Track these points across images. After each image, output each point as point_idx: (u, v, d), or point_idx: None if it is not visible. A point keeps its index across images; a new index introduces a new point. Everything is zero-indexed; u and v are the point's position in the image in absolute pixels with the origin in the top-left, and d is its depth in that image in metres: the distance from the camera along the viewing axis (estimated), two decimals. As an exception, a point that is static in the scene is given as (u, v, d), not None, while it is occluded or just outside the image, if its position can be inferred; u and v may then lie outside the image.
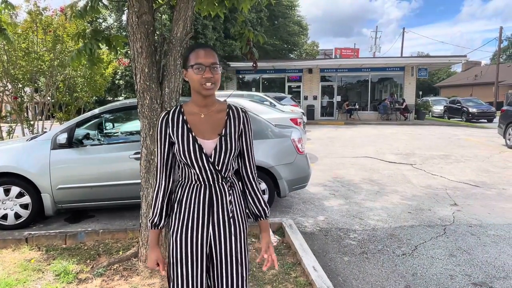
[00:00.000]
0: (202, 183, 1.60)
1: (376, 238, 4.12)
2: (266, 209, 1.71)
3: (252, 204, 1.71)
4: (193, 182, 1.61)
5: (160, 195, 1.62)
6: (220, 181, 1.61)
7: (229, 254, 1.63)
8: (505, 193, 5.95)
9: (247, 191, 1.71)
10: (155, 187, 1.64)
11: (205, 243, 1.61)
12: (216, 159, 1.57)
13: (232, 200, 1.64)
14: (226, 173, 1.62)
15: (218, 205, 1.61)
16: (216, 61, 1.55)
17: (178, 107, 1.64)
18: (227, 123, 1.62)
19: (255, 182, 1.70)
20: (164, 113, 1.63)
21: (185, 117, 1.60)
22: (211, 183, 1.60)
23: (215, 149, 1.57)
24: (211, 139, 1.58)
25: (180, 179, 1.65)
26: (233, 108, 1.67)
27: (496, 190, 6.13)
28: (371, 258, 3.62)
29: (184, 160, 1.56)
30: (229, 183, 1.64)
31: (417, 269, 3.39)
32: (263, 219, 1.71)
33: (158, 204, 1.63)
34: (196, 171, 1.58)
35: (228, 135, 1.60)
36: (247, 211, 1.73)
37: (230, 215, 1.63)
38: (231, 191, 1.64)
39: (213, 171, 1.58)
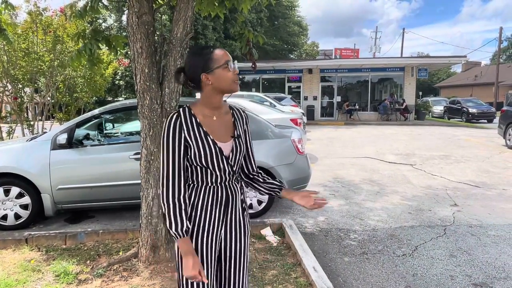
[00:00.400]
0: (219, 185, 1.61)
1: (376, 239, 4.12)
2: (281, 181, 1.85)
3: (270, 185, 1.78)
4: (209, 184, 1.59)
5: (182, 202, 1.51)
6: (233, 181, 1.65)
7: (238, 253, 1.69)
8: (505, 194, 5.95)
9: (260, 181, 1.79)
10: (172, 194, 1.50)
11: (218, 244, 1.64)
12: (233, 160, 1.61)
13: (243, 198, 1.72)
14: (237, 173, 1.68)
15: (232, 204, 1.66)
16: None
17: (187, 109, 1.57)
18: (236, 124, 1.67)
19: (261, 172, 1.82)
20: (173, 115, 1.54)
21: (198, 120, 1.56)
22: (227, 183, 1.63)
23: (232, 151, 1.61)
24: (227, 141, 1.60)
25: (191, 183, 1.60)
26: (235, 109, 1.72)
27: (497, 191, 6.13)
28: (371, 259, 3.62)
29: (204, 164, 1.54)
30: (240, 183, 1.70)
31: (417, 269, 3.39)
32: (284, 187, 1.80)
33: (182, 211, 1.50)
34: (216, 173, 1.58)
35: (240, 136, 1.66)
36: (269, 192, 1.79)
37: (243, 212, 1.71)
38: (242, 190, 1.71)
39: (230, 172, 1.62)
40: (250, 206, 4.70)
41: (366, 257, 3.65)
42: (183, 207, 1.51)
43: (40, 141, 4.47)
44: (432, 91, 51.30)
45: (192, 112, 1.57)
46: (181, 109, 1.58)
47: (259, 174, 1.80)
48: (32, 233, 3.92)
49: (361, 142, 12.36)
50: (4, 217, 4.29)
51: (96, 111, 4.65)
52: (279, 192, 1.77)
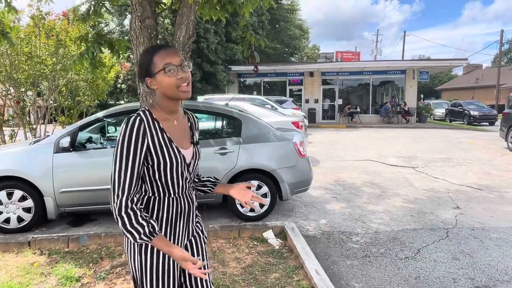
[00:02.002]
0: (180, 195, 1.52)
1: (378, 242, 4.11)
2: (216, 177, 1.76)
3: (204, 182, 1.73)
4: (172, 195, 1.49)
5: (137, 209, 1.38)
6: (190, 188, 1.58)
7: (202, 261, 1.62)
8: (507, 196, 5.94)
9: (196, 181, 1.72)
10: (130, 204, 1.37)
11: None
12: (192, 168, 1.54)
13: (197, 204, 1.66)
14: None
15: (193, 213, 1.60)
16: (183, 58, 1.45)
17: (148, 113, 1.42)
18: (192, 129, 1.59)
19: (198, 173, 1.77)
20: (136, 119, 1.38)
21: (161, 125, 1.44)
22: (187, 192, 1.55)
23: (193, 157, 1.54)
24: (187, 148, 1.52)
25: (151, 194, 1.48)
26: (189, 113, 1.64)
27: (499, 193, 6.11)
28: (373, 262, 3.61)
29: (169, 174, 1.45)
30: (194, 189, 1.63)
31: (420, 272, 3.39)
32: (219, 183, 1.74)
33: (142, 214, 1.38)
34: (179, 182, 1.49)
35: (198, 143, 1.60)
36: (202, 189, 1.72)
37: (199, 220, 1.69)
38: (196, 197, 1.64)
39: (190, 180, 1.55)
40: (252, 209, 4.70)
41: (369, 260, 3.65)
42: (143, 212, 1.39)
43: (43, 144, 4.49)
44: (434, 94, 51.29)
45: (154, 116, 1.44)
46: (141, 113, 1.42)
47: (197, 177, 1.73)
48: (35, 236, 3.93)
49: (362, 144, 12.35)
50: (7, 220, 4.30)
51: (99, 115, 4.67)
52: (212, 188, 1.71)
